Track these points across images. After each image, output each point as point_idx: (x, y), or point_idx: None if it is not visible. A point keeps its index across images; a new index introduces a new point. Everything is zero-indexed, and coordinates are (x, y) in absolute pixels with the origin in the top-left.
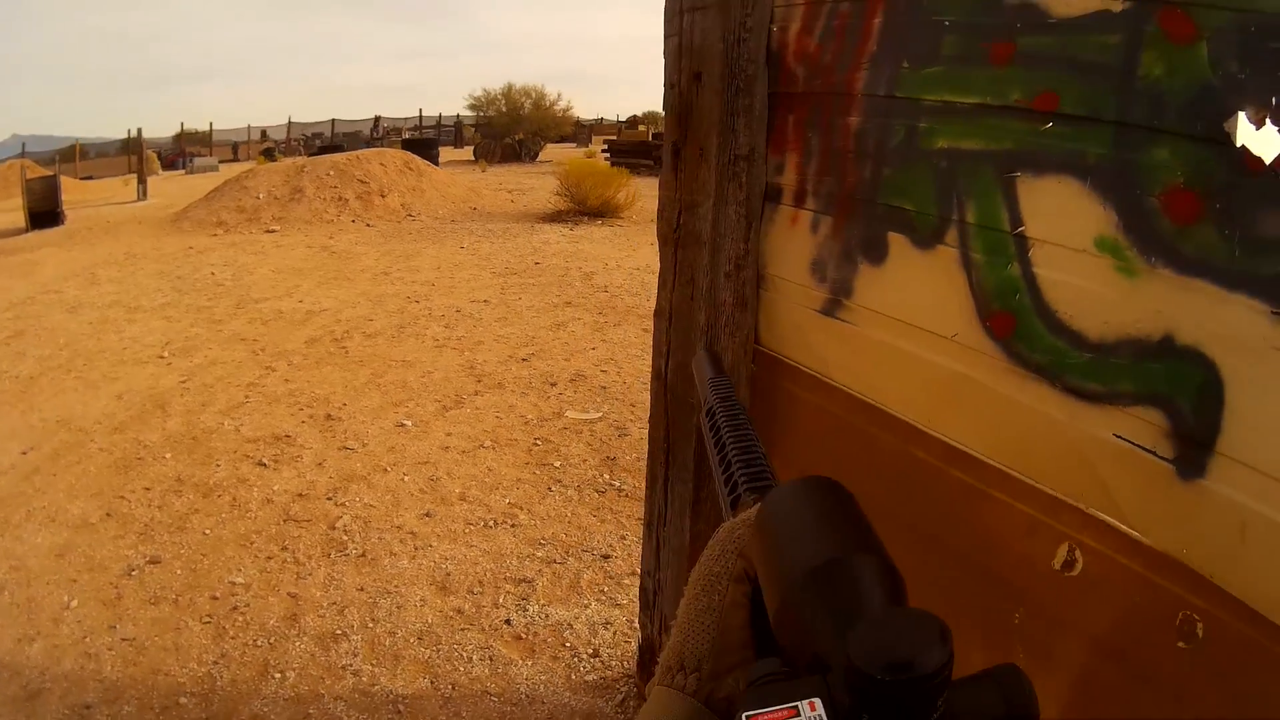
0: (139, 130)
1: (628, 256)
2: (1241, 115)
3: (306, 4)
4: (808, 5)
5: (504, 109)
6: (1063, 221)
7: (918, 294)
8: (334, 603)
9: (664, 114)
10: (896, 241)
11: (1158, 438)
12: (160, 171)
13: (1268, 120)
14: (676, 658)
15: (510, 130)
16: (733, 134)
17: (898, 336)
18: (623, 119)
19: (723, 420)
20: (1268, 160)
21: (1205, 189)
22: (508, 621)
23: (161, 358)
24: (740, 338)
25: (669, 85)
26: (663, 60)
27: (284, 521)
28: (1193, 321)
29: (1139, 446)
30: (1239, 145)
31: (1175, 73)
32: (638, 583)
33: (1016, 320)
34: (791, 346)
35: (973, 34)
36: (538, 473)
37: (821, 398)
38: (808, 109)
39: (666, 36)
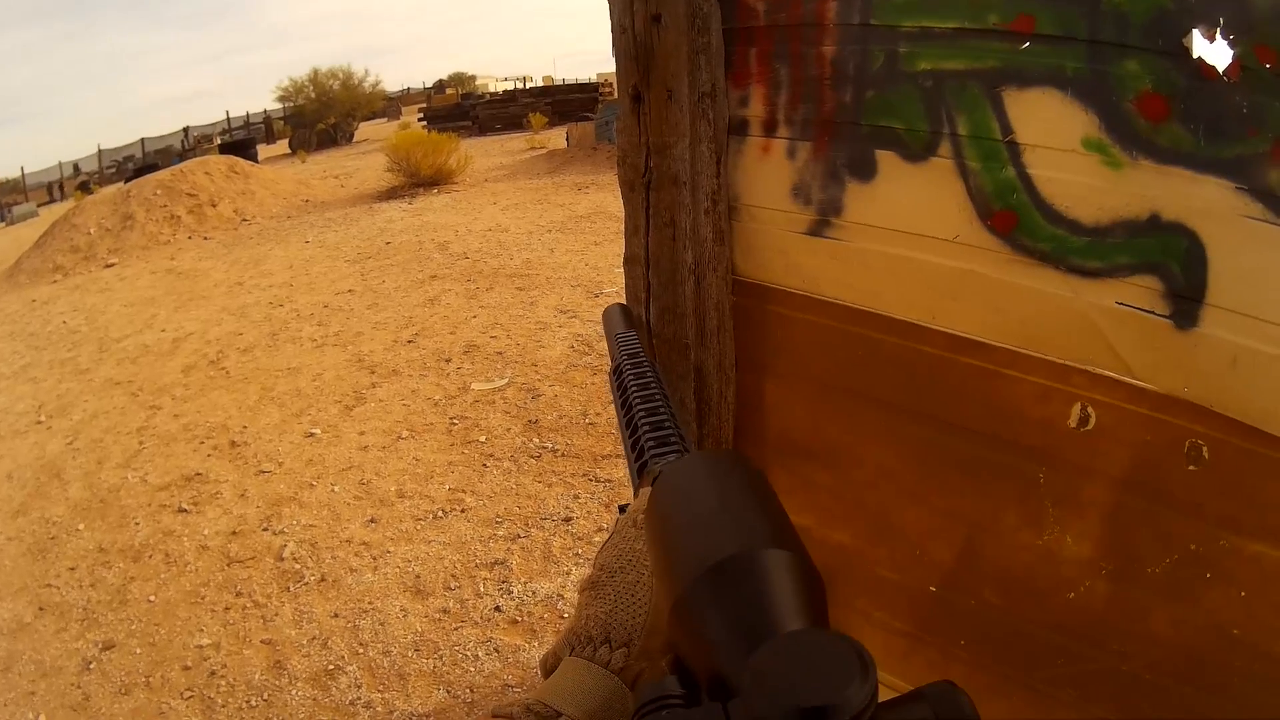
0: None
1: (475, 220)
2: (1196, 32)
3: (90, 26)
4: None
5: (313, 95)
6: (1050, 127)
7: (913, 204)
8: (313, 638)
9: (615, 59)
10: (885, 158)
11: (1155, 299)
12: None
13: (1217, 36)
14: (600, 629)
15: (321, 116)
16: (697, 72)
17: (894, 245)
18: (429, 85)
19: (630, 379)
20: (1220, 68)
21: (1171, 93)
22: (497, 609)
23: (40, 423)
24: (720, 271)
25: (620, 29)
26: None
27: (228, 565)
28: (1173, 200)
29: (1139, 309)
30: (1195, 57)
31: None
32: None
33: (1018, 216)
34: (773, 271)
35: None
36: (466, 452)
37: (814, 314)
38: (772, 41)
39: None
